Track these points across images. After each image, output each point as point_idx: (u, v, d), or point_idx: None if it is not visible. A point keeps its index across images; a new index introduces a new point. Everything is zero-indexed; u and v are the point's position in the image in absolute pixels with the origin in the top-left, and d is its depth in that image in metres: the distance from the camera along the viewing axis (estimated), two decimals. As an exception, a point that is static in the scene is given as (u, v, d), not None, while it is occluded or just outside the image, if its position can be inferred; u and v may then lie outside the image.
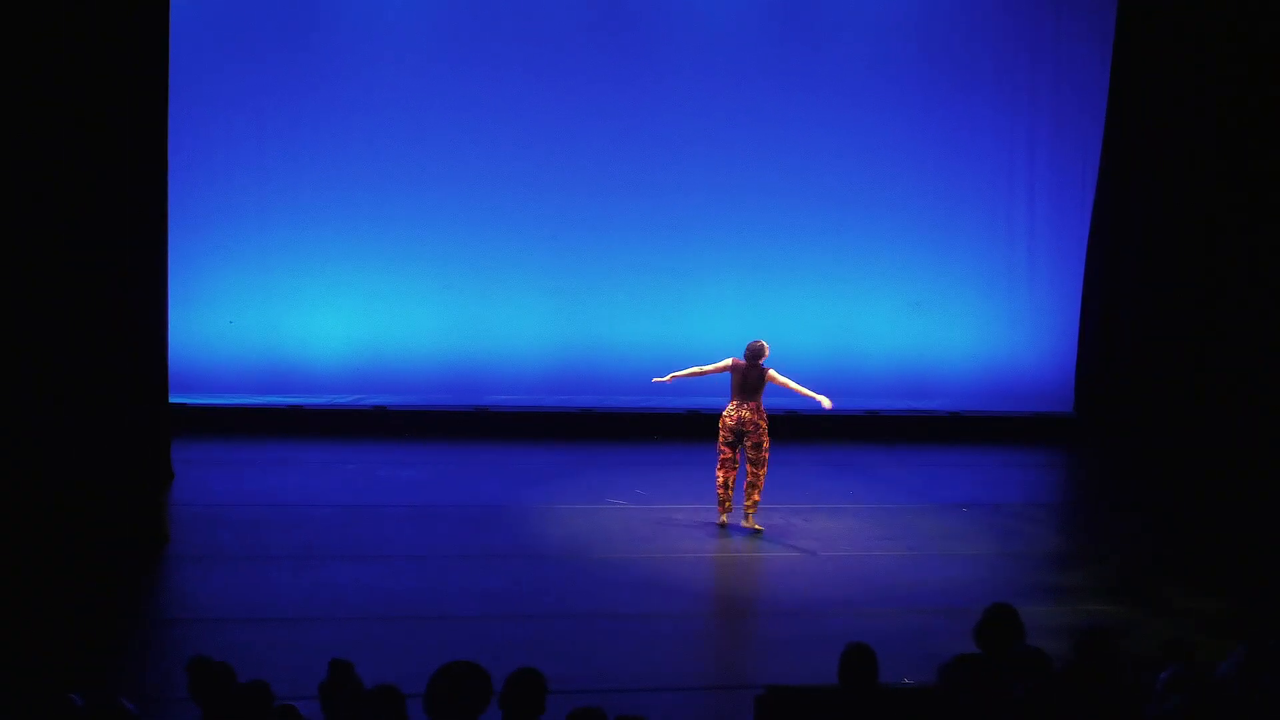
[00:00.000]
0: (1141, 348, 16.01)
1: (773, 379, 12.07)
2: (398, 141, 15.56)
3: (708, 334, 16.00)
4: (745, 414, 12.06)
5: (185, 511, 12.21)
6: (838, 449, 15.54)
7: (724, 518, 12.30)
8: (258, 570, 10.90)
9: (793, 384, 12.09)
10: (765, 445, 12.11)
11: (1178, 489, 14.30)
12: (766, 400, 12.21)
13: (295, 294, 15.56)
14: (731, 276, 16.14)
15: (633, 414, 16.07)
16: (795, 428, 15.49)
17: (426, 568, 11.12)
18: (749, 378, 12.08)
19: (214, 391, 15.34)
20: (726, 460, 12.20)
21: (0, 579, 10.18)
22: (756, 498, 12.25)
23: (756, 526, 12.23)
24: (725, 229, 16.12)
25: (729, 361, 12.18)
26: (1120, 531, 12.99)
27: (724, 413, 12.20)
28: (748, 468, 12.24)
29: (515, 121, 15.70)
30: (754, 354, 12.05)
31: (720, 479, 12.26)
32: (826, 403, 12.20)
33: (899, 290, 16.45)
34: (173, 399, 13.28)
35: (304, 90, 15.38)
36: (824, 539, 12.21)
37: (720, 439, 12.17)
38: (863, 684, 6.50)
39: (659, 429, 16.04)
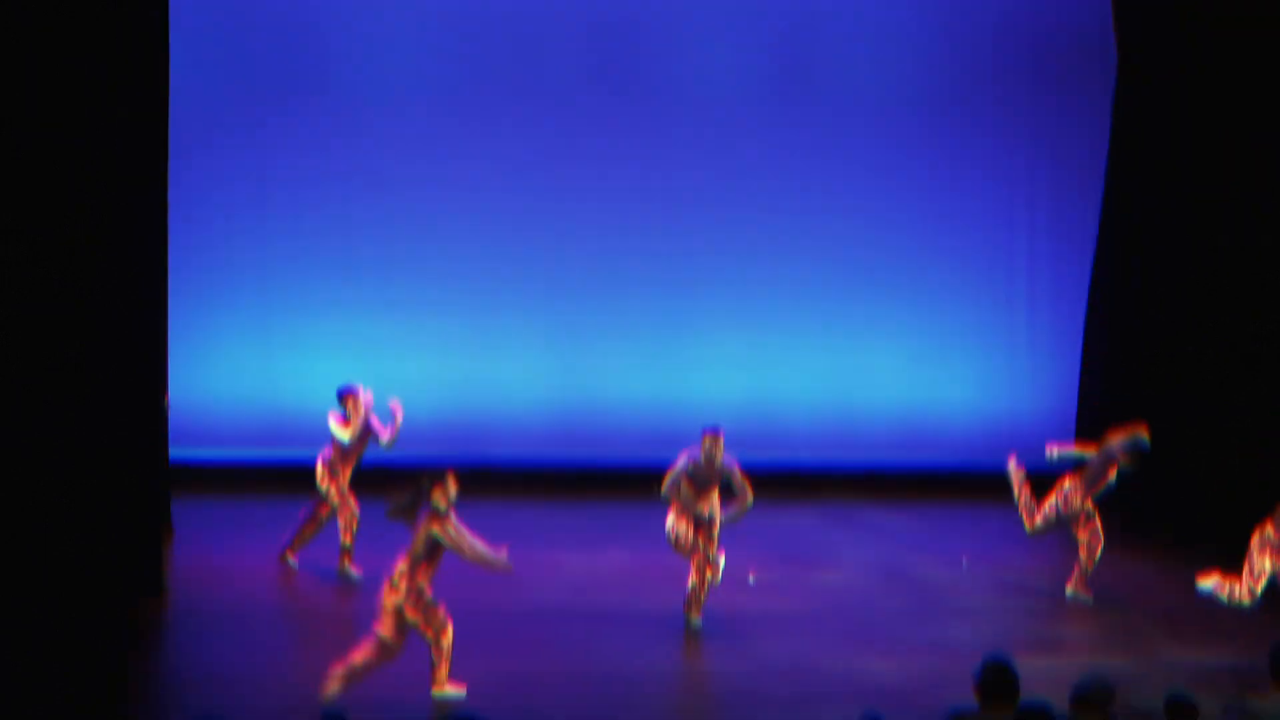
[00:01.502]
0: (1142, 404, 15.95)
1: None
2: (399, 191, 15.61)
3: (709, 386, 15.99)
4: None
5: (185, 568, 12.18)
6: (837, 503, 15.52)
7: None
8: (258, 630, 10.86)
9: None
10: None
11: (1178, 540, 14.24)
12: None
13: (294, 345, 15.55)
14: (732, 329, 16.14)
15: (632, 471, 15.97)
16: (795, 481, 15.48)
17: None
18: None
19: (213, 443, 15.29)
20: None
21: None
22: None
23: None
24: (726, 282, 16.13)
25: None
26: (1121, 585, 12.95)
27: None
28: None
29: (516, 172, 15.77)
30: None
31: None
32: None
33: (899, 343, 16.44)
34: (172, 451, 13.27)
35: (304, 140, 15.44)
36: (823, 593, 12.17)
37: None
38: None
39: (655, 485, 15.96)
